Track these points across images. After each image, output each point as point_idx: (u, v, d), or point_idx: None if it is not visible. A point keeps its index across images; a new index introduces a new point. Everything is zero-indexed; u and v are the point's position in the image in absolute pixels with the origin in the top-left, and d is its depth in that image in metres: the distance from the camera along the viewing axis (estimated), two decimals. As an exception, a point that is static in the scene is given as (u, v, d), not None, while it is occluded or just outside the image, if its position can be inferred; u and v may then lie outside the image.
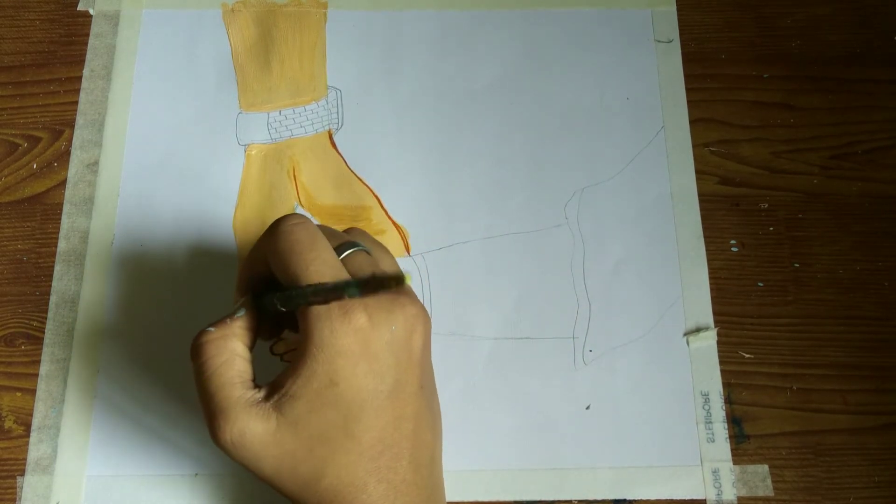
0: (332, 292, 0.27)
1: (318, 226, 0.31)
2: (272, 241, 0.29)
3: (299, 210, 0.43)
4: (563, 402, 0.39)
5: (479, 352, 0.40)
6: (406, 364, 0.29)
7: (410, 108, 0.45)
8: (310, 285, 0.28)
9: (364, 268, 0.30)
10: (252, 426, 0.28)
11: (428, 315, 0.30)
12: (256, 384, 0.29)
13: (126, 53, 0.46)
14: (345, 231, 0.33)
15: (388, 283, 0.27)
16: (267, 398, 0.28)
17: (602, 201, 0.43)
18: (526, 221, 0.43)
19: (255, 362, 0.30)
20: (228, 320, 0.30)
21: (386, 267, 0.31)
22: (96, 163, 0.44)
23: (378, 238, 0.36)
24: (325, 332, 0.27)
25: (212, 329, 0.30)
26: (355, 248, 0.30)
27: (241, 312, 0.30)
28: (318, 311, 0.27)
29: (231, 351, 0.29)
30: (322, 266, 0.28)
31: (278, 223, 0.30)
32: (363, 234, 0.34)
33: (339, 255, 0.29)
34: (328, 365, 0.27)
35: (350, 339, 0.27)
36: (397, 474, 0.29)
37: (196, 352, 0.29)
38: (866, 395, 0.40)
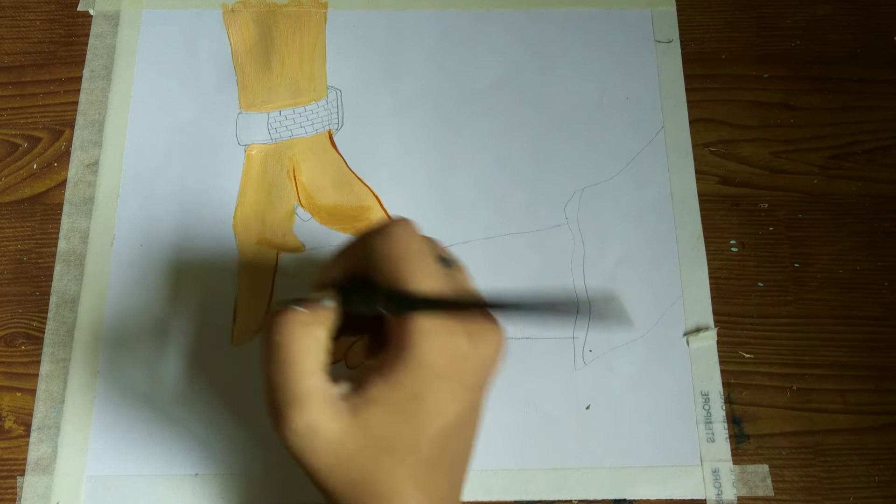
0: (443, 305, 0.27)
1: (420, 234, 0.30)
2: (384, 243, 0.28)
3: (300, 210, 0.43)
4: (564, 402, 0.39)
5: (479, 352, 0.40)
6: (483, 392, 0.29)
7: (410, 108, 0.45)
8: (423, 295, 0.27)
9: (464, 287, 0.29)
10: (324, 422, 0.27)
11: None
12: (333, 378, 0.28)
13: (126, 54, 0.46)
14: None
15: (502, 306, 0.27)
16: (344, 397, 0.27)
17: (602, 201, 0.43)
18: (526, 221, 0.43)
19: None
20: (319, 306, 0.29)
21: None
22: (96, 163, 0.44)
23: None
24: (425, 346, 0.27)
25: (302, 310, 0.28)
26: (454, 265, 0.30)
27: (331, 302, 0.29)
28: (423, 324, 0.27)
29: (318, 339, 0.28)
30: (431, 278, 0.28)
31: (392, 227, 0.29)
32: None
33: (443, 269, 0.29)
34: (419, 380, 0.27)
35: (447, 361, 0.27)
36: (440, 490, 0.29)
37: (279, 329, 0.28)
38: (866, 394, 0.40)
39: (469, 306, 0.27)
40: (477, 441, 0.31)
